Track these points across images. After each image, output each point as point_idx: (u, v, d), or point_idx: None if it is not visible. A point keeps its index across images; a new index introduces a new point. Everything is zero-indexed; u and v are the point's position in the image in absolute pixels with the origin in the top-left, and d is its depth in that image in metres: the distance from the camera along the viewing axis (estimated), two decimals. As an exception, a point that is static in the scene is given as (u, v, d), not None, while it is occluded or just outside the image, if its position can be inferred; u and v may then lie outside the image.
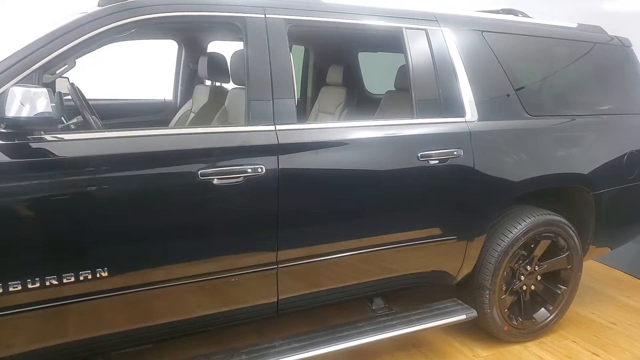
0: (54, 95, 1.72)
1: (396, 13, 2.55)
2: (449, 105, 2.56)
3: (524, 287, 2.93)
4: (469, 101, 2.61)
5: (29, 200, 1.76)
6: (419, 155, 2.42)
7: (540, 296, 3.02)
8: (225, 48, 3.38)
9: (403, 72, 3.14)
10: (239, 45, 3.48)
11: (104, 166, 1.86)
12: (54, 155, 1.79)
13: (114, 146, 1.90)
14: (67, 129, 2.11)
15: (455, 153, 2.50)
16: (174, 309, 2.09)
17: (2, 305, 1.74)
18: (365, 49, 4.10)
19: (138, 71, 4.02)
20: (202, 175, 1.96)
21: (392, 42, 2.67)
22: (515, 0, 3.99)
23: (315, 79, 4.07)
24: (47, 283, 1.79)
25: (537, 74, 2.99)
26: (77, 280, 1.83)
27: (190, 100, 3.49)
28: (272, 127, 2.14)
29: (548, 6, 4.63)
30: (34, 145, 1.77)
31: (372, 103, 4.07)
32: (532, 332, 3.00)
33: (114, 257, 1.89)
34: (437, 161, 2.46)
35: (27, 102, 1.62)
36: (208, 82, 3.53)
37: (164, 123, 3.52)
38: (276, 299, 2.26)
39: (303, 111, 3.99)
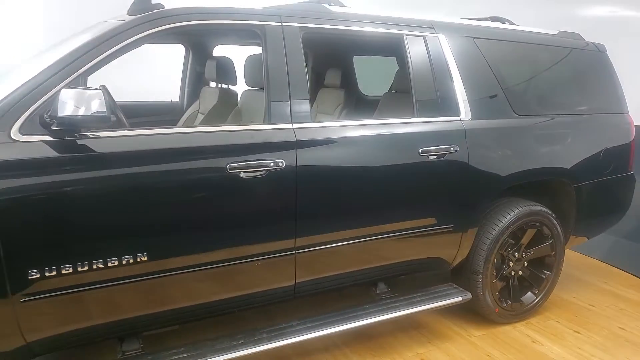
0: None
1: (398, 21, 2.78)
2: (445, 105, 2.81)
3: (513, 273, 3.19)
4: (463, 101, 2.86)
5: (79, 191, 1.93)
6: (420, 151, 2.65)
7: (527, 281, 3.29)
8: (226, 52, 3.60)
9: (400, 75, 3.39)
10: (242, 49, 3.71)
11: (144, 161, 2.04)
12: (101, 150, 1.96)
13: (151, 143, 2.08)
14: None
15: (452, 149, 2.74)
16: (203, 291, 2.28)
17: (56, 287, 1.91)
18: (360, 53, 4.33)
19: (144, 74, 4.17)
20: (231, 168, 2.16)
21: (390, 47, 2.90)
22: (503, 6, 4.30)
23: (313, 82, 4.28)
24: (94, 267, 1.97)
25: (522, 77, 3.25)
26: (120, 264, 2.01)
27: (197, 102, 3.67)
28: (290, 126, 2.35)
29: (533, 12, 4.97)
30: (80, 142, 1.94)
31: (366, 104, 4.32)
32: (520, 313, 3.27)
33: (153, 243, 2.07)
34: (435, 156, 2.70)
35: (82, 102, 1.80)
36: (213, 84, 3.70)
37: (172, 123, 3.69)
38: (294, 282, 2.47)
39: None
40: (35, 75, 1.94)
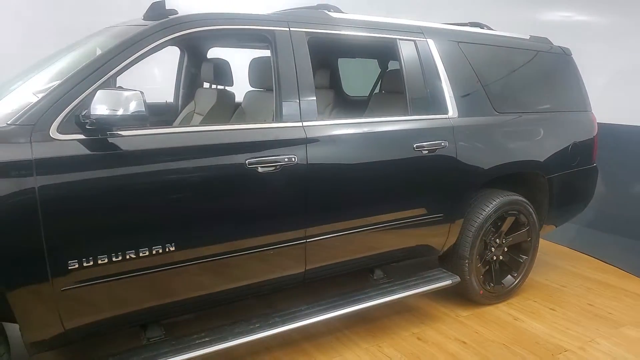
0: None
1: (391, 26, 3.01)
2: (435, 104, 3.06)
3: (494, 257, 3.48)
4: (450, 100, 3.11)
5: (113, 187, 2.05)
6: (415, 146, 2.89)
7: (507, 265, 3.58)
8: (217, 54, 3.74)
9: (390, 76, 3.63)
10: (233, 52, 3.86)
11: (171, 157, 2.18)
12: (133, 148, 2.09)
13: (177, 140, 2.22)
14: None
15: (442, 144, 2.99)
16: (224, 279, 2.44)
17: (93, 276, 2.04)
18: (345, 56, 4.54)
19: (138, 75, 4.24)
20: (249, 164, 2.33)
21: (383, 50, 3.10)
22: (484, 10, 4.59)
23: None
24: (127, 257, 2.10)
25: (500, 77, 3.53)
26: (150, 254, 2.15)
27: (192, 102, 3.79)
28: (300, 124, 2.54)
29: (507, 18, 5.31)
30: (112, 140, 2.06)
31: (352, 104, 4.54)
32: (501, 295, 3.56)
33: (180, 234, 2.22)
34: (427, 151, 2.94)
35: (120, 102, 1.93)
36: (206, 85, 3.83)
37: (168, 123, 3.79)
38: (304, 269, 2.65)
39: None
40: (69, 77, 2.06)
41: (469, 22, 3.70)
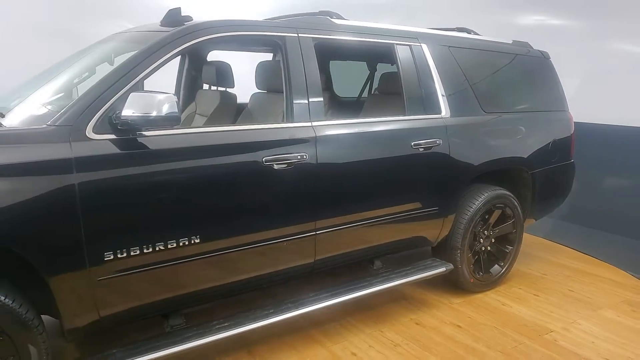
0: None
1: (389, 32, 3.22)
2: (429, 104, 3.28)
3: (483, 248, 3.72)
4: (443, 101, 3.34)
5: (143, 183, 2.20)
6: (412, 144, 3.10)
7: (494, 255, 3.84)
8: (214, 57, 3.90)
9: (385, 79, 3.83)
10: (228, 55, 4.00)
11: (194, 155, 2.33)
12: (161, 147, 2.24)
13: (202, 139, 2.38)
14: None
15: (437, 142, 3.21)
16: (243, 269, 2.60)
17: (126, 267, 2.18)
18: (342, 59, 4.73)
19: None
20: (266, 161, 2.50)
21: (376, 54, 3.29)
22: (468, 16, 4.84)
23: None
24: (157, 248, 2.25)
25: (486, 79, 3.77)
26: (177, 245, 2.30)
27: (193, 103, 3.93)
28: (309, 123, 2.72)
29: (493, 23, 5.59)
30: (141, 140, 2.20)
31: (344, 104, 4.75)
32: (489, 283, 3.82)
33: (203, 227, 2.37)
34: (423, 149, 3.16)
35: (153, 104, 2.08)
36: (206, 87, 3.97)
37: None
38: (313, 260, 2.83)
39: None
40: (102, 80, 2.20)
41: (456, 27, 3.94)
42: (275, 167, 2.54)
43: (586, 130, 4.77)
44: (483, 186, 3.65)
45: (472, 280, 3.67)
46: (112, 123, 2.14)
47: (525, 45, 4.17)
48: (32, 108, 2.44)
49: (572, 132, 4.22)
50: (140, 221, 2.22)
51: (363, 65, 4.77)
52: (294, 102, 2.71)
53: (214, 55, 4.01)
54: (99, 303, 2.18)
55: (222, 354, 2.80)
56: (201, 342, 2.41)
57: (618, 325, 3.32)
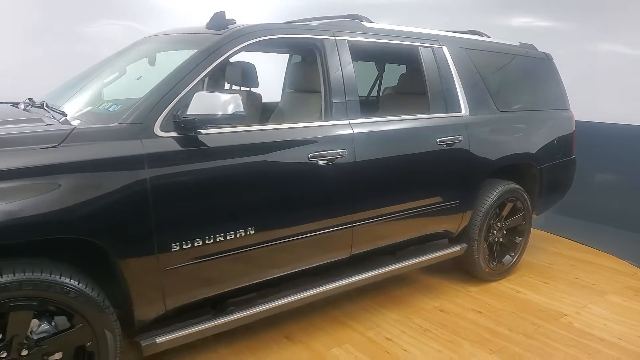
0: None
1: (413, 35, 3.40)
2: (450, 103, 3.47)
3: (496, 239, 3.94)
4: (462, 100, 3.54)
5: (206, 178, 2.32)
6: (437, 140, 3.29)
7: (506, 246, 4.05)
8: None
9: (403, 79, 4.01)
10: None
11: (248, 151, 2.46)
12: (220, 144, 2.37)
13: (256, 137, 2.52)
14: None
15: (459, 139, 3.40)
16: (289, 260, 2.75)
17: (190, 257, 2.31)
18: (359, 59, 4.85)
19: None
20: (311, 157, 2.65)
21: (403, 55, 3.48)
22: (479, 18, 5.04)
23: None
24: (217, 240, 2.38)
25: (498, 79, 3.98)
26: (235, 237, 2.43)
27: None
28: (347, 121, 2.87)
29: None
30: (202, 138, 2.32)
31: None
32: (502, 272, 4.03)
33: (257, 219, 2.51)
34: (446, 145, 3.34)
35: (218, 103, 2.21)
36: (227, 86, 4.08)
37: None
38: (350, 250, 2.99)
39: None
40: (165, 80, 2.33)
41: (468, 30, 4.14)
42: (319, 162, 2.69)
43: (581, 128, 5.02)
44: (497, 181, 3.85)
45: (487, 270, 3.88)
46: (177, 121, 2.26)
47: (531, 47, 4.40)
48: (88, 106, 2.54)
49: (574, 129, 4.46)
50: (202, 214, 2.33)
51: (365, 65, 4.91)
52: (333, 101, 2.86)
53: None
54: (166, 293, 2.29)
55: (261, 341, 2.95)
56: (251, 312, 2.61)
57: (625, 309, 3.57)
